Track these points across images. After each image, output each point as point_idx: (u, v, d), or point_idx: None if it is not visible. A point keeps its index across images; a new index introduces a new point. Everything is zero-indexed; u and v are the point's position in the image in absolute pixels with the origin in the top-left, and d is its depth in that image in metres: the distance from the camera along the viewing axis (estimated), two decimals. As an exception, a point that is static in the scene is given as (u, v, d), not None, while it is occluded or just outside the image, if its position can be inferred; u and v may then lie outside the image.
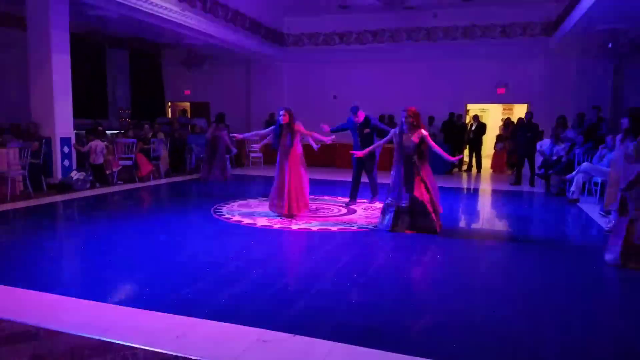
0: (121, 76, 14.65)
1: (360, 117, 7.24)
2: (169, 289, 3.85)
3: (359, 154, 6.60)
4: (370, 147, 6.67)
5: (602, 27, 10.11)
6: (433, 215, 5.78)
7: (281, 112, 6.49)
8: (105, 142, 9.43)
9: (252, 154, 13.72)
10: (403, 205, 5.80)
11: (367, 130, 7.25)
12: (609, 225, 5.99)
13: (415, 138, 5.71)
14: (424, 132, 5.78)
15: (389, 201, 5.96)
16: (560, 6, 11.54)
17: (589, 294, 4.06)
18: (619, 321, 3.51)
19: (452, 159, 6.54)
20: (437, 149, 5.90)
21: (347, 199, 7.71)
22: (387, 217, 5.93)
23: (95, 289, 3.82)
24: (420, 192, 5.75)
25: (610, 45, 11.18)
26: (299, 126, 6.52)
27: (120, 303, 3.54)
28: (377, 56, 14.31)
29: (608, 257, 4.69)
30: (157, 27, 10.56)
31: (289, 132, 6.48)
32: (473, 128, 13.00)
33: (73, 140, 9.11)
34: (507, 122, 13.27)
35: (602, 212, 6.96)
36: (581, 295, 4.00)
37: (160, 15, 9.47)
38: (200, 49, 13.70)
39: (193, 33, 11.16)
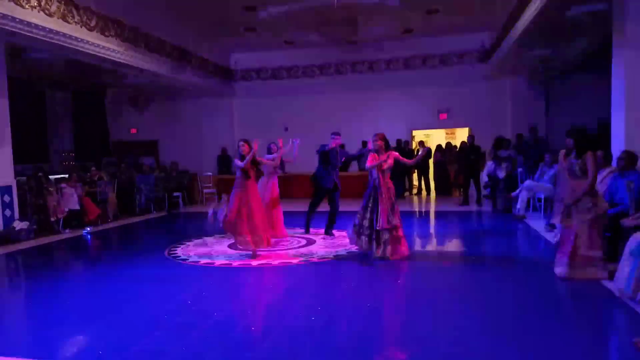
0: (63, 118, 14.12)
1: (333, 143, 7.31)
2: (127, 341, 3.67)
3: (411, 161, 6.70)
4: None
5: (532, 53, 10.85)
6: (403, 239, 5.94)
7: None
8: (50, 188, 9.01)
9: (205, 190, 13.49)
10: (378, 228, 5.82)
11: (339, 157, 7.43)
12: (555, 239, 6.30)
13: (390, 160, 5.91)
14: (395, 153, 6.03)
15: (362, 223, 5.93)
16: (492, 35, 12.32)
17: (544, 307, 4.22)
18: (576, 332, 3.67)
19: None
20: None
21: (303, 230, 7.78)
22: (363, 239, 5.90)
23: (46, 348, 3.59)
24: (390, 216, 5.83)
25: (540, 69, 12.01)
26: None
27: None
28: (325, 88, 14.63)
29: (557, 270, 4.93)
30: (99, 67, 10.33)
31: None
32: (419, 153, 13.43)
33: (14, 188, 8.63)
34: (447, 146, 13.96)
35: (547, 227, 7.32)
36: (537, 309, 4.15)
37: (103, 55, 9.28)
38: (146, 86, 13.51)
39: (137, 72, 11.00)
